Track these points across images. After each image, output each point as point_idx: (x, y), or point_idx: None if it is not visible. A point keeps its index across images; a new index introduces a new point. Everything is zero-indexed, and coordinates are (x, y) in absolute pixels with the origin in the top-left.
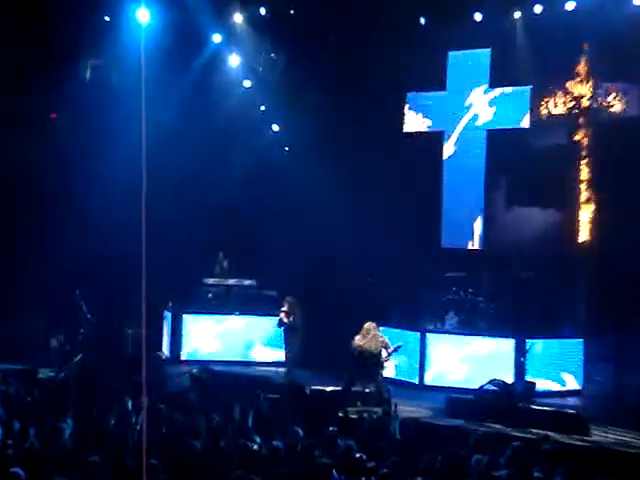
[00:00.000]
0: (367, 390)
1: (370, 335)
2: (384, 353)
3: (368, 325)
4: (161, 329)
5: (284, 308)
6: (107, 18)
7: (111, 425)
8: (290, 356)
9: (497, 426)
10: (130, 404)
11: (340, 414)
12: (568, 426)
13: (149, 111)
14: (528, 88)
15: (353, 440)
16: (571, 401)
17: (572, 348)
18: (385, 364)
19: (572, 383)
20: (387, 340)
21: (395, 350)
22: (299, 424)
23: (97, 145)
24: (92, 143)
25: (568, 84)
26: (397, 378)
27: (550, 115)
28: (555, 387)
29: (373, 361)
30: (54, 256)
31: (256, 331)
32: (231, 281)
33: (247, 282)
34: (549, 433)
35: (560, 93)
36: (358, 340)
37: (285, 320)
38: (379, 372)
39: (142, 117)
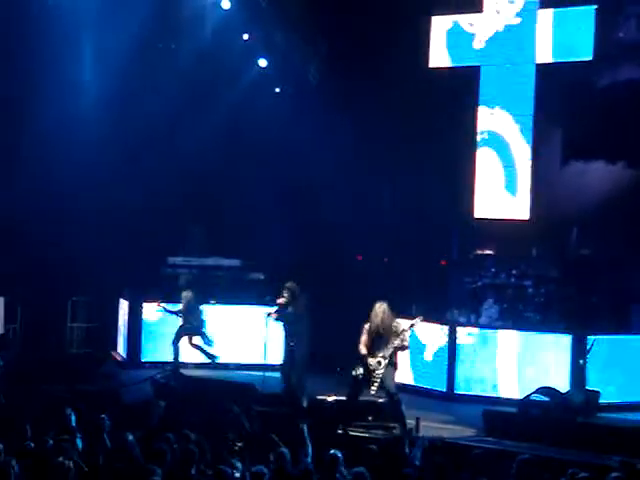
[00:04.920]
0: (380, 400)
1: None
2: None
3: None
4: (115, 323)
5: (282, 298)
6: None
7: (49, 446)
8: (293, 359)
9: (549, 448)
10: (74, 419)
11: (340, 431)
12: None
13: (95, 43)
14: (592, 8)
15: (363, 467)
16: None
17: None
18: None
19: None
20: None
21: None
22: (292, 445)
23: (22, 87)
24: (17, 83)
25: None
26: (419, 385)
27: (622, 44)
28: (627, 397)
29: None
30: None
31: (239, 325)
32: (206, 261)
33: (227, 262)
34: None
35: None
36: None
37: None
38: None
39: (85, 51)
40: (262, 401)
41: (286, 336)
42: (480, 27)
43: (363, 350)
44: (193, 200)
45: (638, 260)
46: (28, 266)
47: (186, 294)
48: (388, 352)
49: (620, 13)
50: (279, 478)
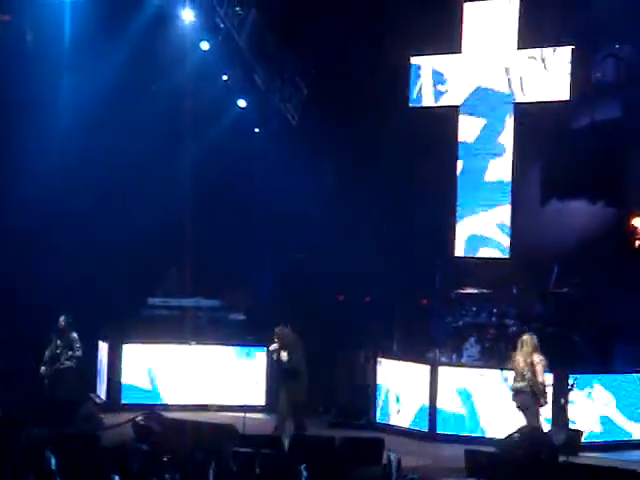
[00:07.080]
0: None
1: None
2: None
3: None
4: (94, 364)
5: (274, 344)
6: None
7: None
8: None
9: None
10: (54, 462)
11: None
12: None
13: (74, 83)
14: (569, 49)
15: None
16: (634, 456)
17: (632, 386)
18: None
19: (635, 431)
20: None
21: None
22: None
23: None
24: None
25: None
26: (401, 426)
27: (598, 84)
28: (610, 437)
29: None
30: None
31: (219, 365)
32: (186, 302)
33: (206, 303)
34: None
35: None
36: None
37: (284, 359)
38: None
39: (64, 90)
40: (243, 442)
41: (286, 380)
42: (458, 69)
43: None
44: (172, 240)
45: (619, 298)
46: (5, 310)
47: (75, 335)
48: None
49: (597, 53)
50: None
